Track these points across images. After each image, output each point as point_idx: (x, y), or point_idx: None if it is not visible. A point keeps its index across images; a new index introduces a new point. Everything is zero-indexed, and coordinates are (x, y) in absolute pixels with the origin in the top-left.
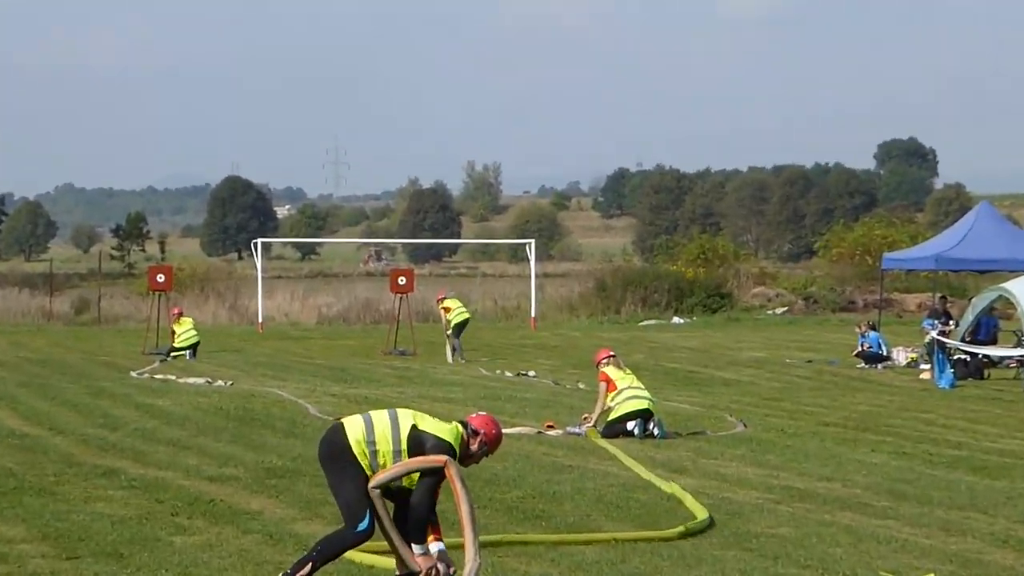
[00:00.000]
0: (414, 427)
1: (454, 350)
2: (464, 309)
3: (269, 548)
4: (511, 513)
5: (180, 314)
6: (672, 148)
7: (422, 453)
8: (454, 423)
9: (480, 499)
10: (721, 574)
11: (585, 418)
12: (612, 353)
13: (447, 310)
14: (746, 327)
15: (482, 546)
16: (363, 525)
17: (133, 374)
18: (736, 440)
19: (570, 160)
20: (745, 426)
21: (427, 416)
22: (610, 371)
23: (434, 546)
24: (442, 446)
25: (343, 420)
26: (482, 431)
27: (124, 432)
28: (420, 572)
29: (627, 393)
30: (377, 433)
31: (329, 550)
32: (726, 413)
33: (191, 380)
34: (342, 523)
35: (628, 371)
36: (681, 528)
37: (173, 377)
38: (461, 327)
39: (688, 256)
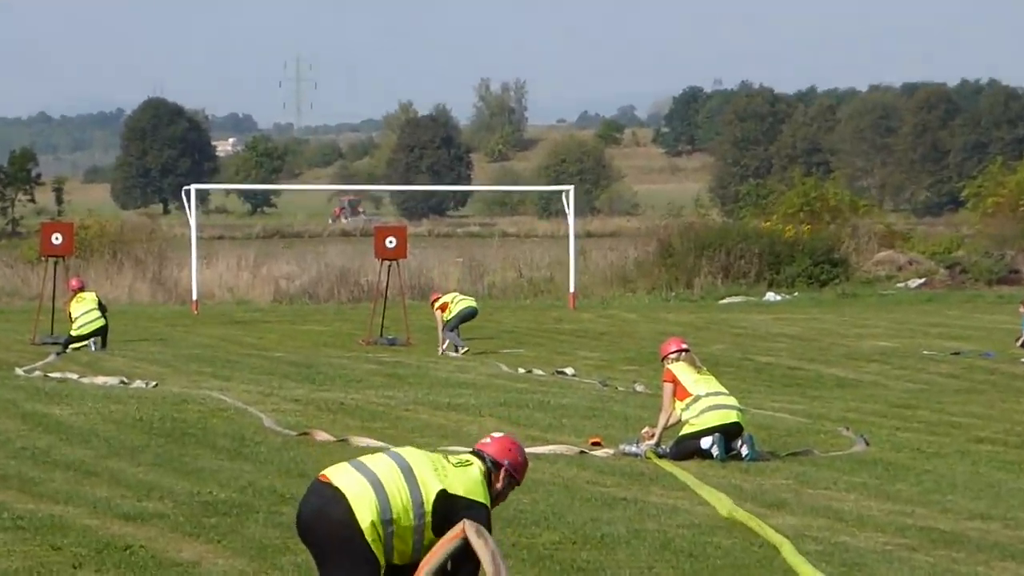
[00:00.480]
0: (443, 492)
1: (455, 347)
2: (467, 296)
3: None
4: (543, 565)
5: (80, 288)
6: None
7: (450, 523)
8: (474, 464)
9: (499, 545)
10: None
11: (646, 433)
12: (684, 346)
13: (444, 308)
14: (867, 306)
15: None
16: None
17: (19, 371)
18: (855, 463)
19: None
20: (867, 443)
21: (446, 463)
22: (679, 370)
23: None
24: (478, 511)
25: (338, 483)
26: (505, 462)
27: (6, 452)
28: None
29: (705, 402)
30: (396, 508)
31: None
32: (841, 426)
33: (99, 380)
34: None
35: (705, 370)
36: None
37: (74, 376)
38: (463, 318)
39: (787, 208)
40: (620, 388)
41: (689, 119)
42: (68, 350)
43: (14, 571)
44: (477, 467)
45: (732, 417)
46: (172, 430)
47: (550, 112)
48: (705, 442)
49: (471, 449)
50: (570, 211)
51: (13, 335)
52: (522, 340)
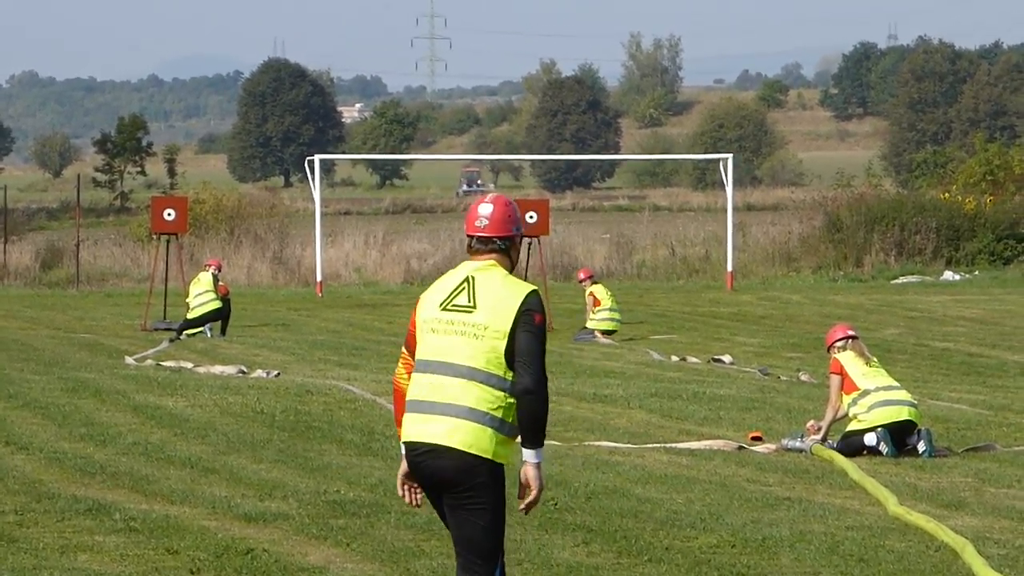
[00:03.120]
0: (499, 346)
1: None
2: (615, 310)
3: None
4: (699, 570)
5: (218, 268)
6: (943, 13)
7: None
8: (495, 267)
9: (651, 549)
10: None
11: (811, 427)
12: (852, 333)
13: (596, 301)
14: None
15: None
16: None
17: (129, 360)
18: None
19: (787, 31)
20: None
21: (475, 312)
22: (847, 361)
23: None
24: (529, 312)
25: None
26: (513, 229)
27: (117, 448)
28: (532, 494)
29: (875, 398)
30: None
31: None
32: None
33: (216, 369)
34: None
35: (875, 361)
36: None
37: (189, 365)
38: (604, 331)
39: (968, 178)
40: (782, 377)
41: (860, 79)
42: (182, 336)
43: None
44: (498, 269)
45: (904, 414)
46: (296, 423)
47: (707, 71)
48: (869, 439)
49: (471, 245)
50: (728, 182)
51: (123, 320)
52: (675, 325)
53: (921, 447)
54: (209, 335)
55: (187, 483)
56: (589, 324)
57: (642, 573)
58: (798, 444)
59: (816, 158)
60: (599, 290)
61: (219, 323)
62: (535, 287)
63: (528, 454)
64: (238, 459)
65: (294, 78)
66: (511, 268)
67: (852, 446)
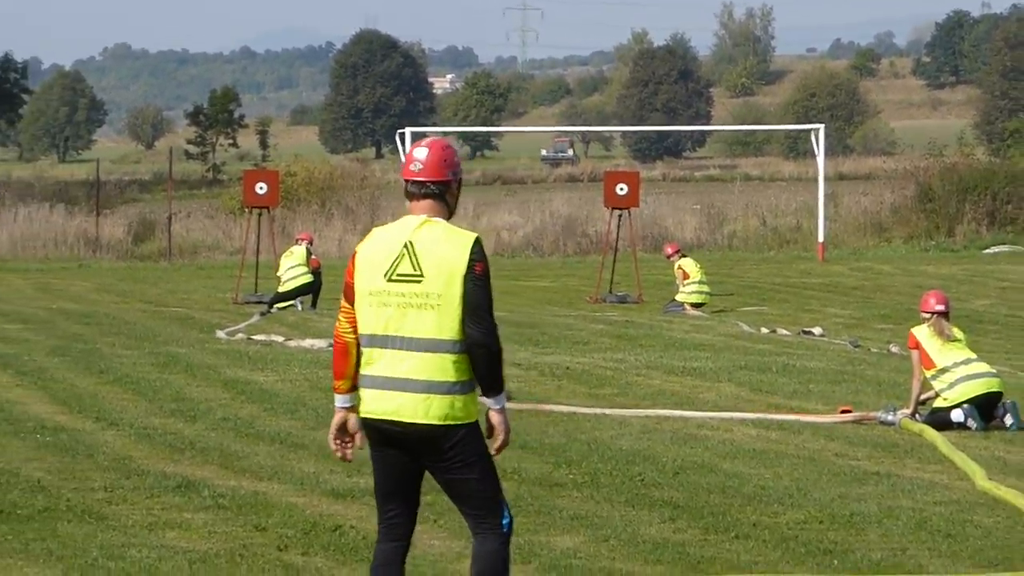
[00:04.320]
0: (453, 310)
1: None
2: (704, 283)
3: None
4: (786, 546)
5: (309, 241)
6: None
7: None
8: (435, 221)
9: (738, 525)
10: None
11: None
12: (940, 307)
13: (685, 275)
14: None
15: None
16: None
17: (220, 334)
18: None
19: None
20: None
21: (418, 278)
22: (924, 337)
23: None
24: (475, 266)
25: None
26: (450, 174)
27: (207, 424)
28: (500, 438)
29: (954, 374)
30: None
31: None
32: None
33: (307, 343)
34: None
35: (956, 336)
36: None
37: (280, 339)
38: (693, 304)
39: None
40: (873, 350)
41: (953, 47)
42: (273, 310)
43: (215, 554)
44: (437, 224)
45: (987, 387)
46: None
47: (799, 41)
48: (956, 415)
49: (406, 190)
50: (820, 151)
51: (215, 293)
52: (765, 296)
53: (1008, 420)
54: (300, 308)
55: (276, 459)
56: (679, 297)
57: (729, 549)
58: (890, 417)
59: (908, 127)
60: (688, 263)
61: (310, 296)
62: (476, 235)
63: (490, 401)
64: (327, 434)
65: (386, 49)
66: (449, 215)
67: (939, 422)
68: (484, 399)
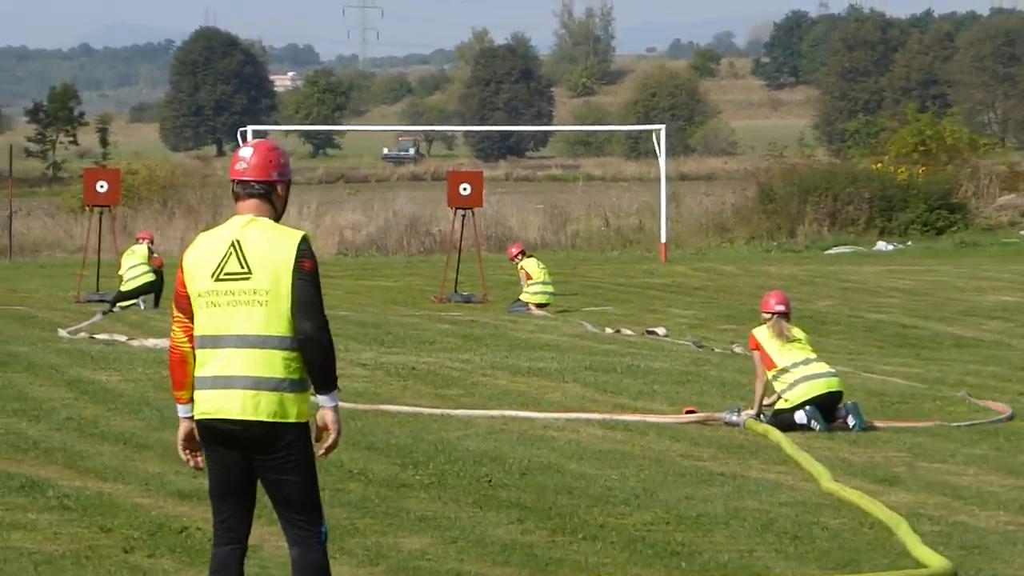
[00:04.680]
0: (280, 302)
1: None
2: (548, 283)
3: None
4: (634, 547)
5: (150, 240)
6: None
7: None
8: (260, 220)
9: (586, 526)
10: None
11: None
12: (781, 308)
13: (528, 275)
14: (988, 256)
15: None
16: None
17: (62, 333)
18: (975, 434)
19: (718, 1)
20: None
21: (244, 274)
22: (763, 338)
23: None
24: (302, 262)
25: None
26: (275, 175)
27: (51, 424)
28: (331, 437)
29: (794, 374)
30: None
31: None
32: (960, 391)
33: (150, 342)
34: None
35: (796, 336)
36: (898, 575)
37: (123, 338)
38: (538, 304)
39: (899, 148)
40: (717, 350)
41: (792, 47)
42: (116, 309)
43: (60, 555)
44: (262, 223)
45: (827, 387)
46: None
47: (639, 40)
48: (799, 416)
49: (233, 190)
50: (661, 152)
51: (56, 292)
52: (609, 296)
53: (851, 421)
54: (143, 307)
55: (120, 459)
56: (523, 297)
57: (577, 551)
58: (734, 418)
59: (748, 127)
60: (531, 264)
61: (152, 296)
62: (304, 232)
63: (323, 399)
64: (172, 434)
65: (226, 47)
66: (276, 216)
67: (783, 424)
68: (317, 397)
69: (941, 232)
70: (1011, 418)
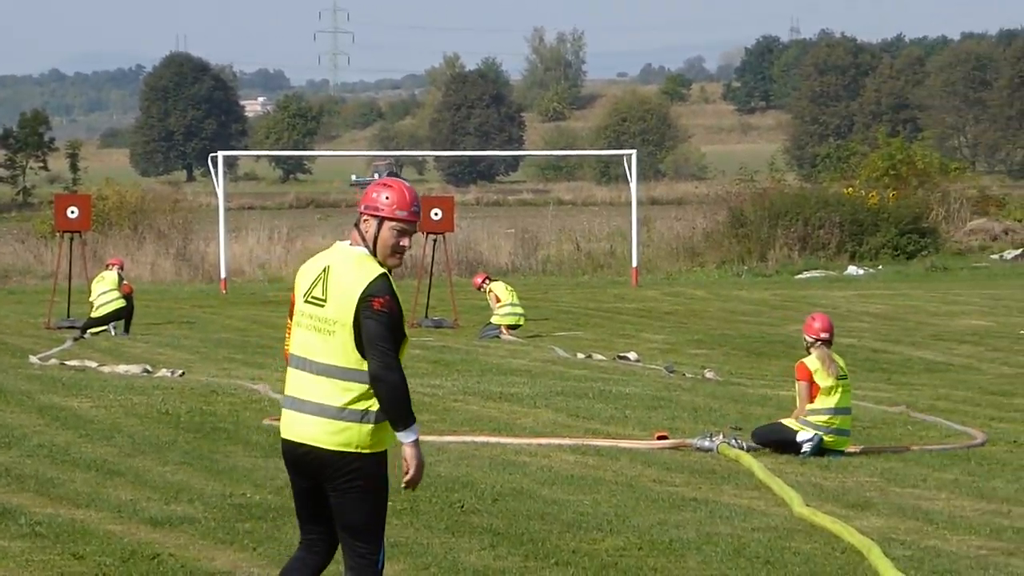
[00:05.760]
0: (351, 340)
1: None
2: (517, 305)
3: None
4: (606, 573)
5: (120, 266)
6: (845, 6)
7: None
8: (359, 249)
9: (558, 552)
10: None
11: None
12: (827, 334)
13: (497, 299)
14: (960, 280)
15: None
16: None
17: (33, 359)
18: (946, 458)
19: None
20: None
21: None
22: (815, 367)
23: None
24: (367, 300)
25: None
26: (362, 207)
27: (22, 450)
28: (410, 472)
29: (824, 418)
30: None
31: None
32: (929, 416)
33: (121, 369)
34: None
35: (841, 370)
36: None
37: (94, 364)
38: (509, 326)
39: (870, 172)
40: (688, 375)
41: (763, 72)
42: (86, 335)
43: None
44: (354, 253)
45: (836, 445)
46: (201, 424)
47: (610, 66)
48: (803, 436)
49: (366, 221)
50: (632, 177)
51: (26, 318)
52: (580, 321)
53: (806, 448)
54: (113, 333)
55: (93, 486)
56: (494, 319)
57: None
58: (706, 443)
59: (719, 152)
60: (498, 287)
61: (123, 322)
62: (384, 271)
63: (400, 436)
64: (144, 461)
65: (196, 72)
66: (366, 245)
67: (774, 434)
68: (396, 434)
69: (912, 256)
70: (983, 444)
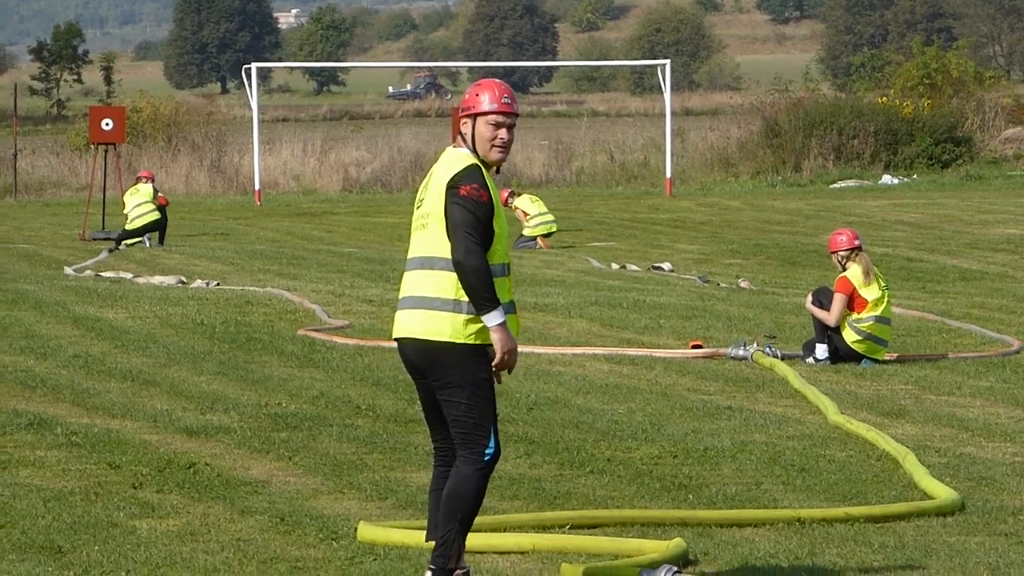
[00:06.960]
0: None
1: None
2: (547, 213)
3: (280, 537)
4: (641, 481)
5: (151, 179)
6: None
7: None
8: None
9: (593, 460)
10: (961, 573)
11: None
12: (857, 243)
13: (525, 214)
14: (994, 189)
15: (584, 526)
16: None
17: (68, 271)
18: (982, 366)
19: None
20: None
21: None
22: (856, 277)
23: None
24: (454, 189)
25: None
26: (460, 106)
27: (57, 361)
28: (497, 356)
29: (868, 325)
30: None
31: (468, 506)
32: (966, 323)
33: (156, 280)
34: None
35: (880, 279)
36: (906, 507)
37: (129, 276)
38: (543, 234)
39: (905, 81)
40: (722, 285)
41: None
42: (121, 247)
43: (69, 492)
44: (451, 151)
45: (873, 352)
46: (236, 335)
47: None
48: (821, 351)
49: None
50: (666, 87)
51: (62, 230)
52: (614, 232)
53: (818, 355)
54: (148, 245)
55: (128, 396)
56: (526, 232)
57: (584, 484)
58: (740, 352)
59: (754, 62)
60: (523, 202)
61: (157, 233)
62: (475, 161)
63: (485, 319)
64: (179, 371)
65: None
66: (467, 146)
67: (822, 320)
68: (482, 317)
69: (946, 165)
70: (1018, 352)
